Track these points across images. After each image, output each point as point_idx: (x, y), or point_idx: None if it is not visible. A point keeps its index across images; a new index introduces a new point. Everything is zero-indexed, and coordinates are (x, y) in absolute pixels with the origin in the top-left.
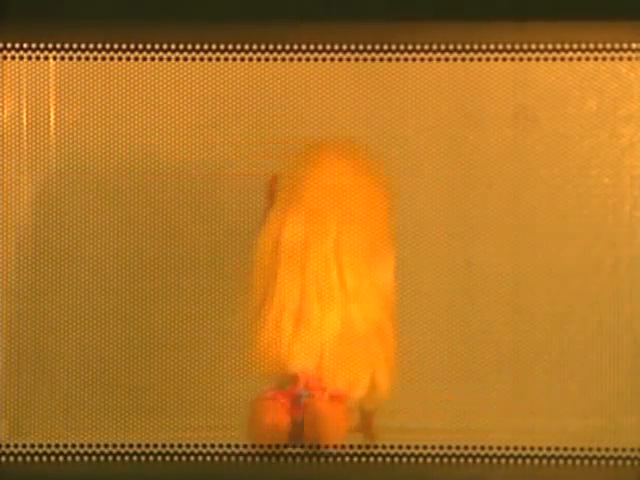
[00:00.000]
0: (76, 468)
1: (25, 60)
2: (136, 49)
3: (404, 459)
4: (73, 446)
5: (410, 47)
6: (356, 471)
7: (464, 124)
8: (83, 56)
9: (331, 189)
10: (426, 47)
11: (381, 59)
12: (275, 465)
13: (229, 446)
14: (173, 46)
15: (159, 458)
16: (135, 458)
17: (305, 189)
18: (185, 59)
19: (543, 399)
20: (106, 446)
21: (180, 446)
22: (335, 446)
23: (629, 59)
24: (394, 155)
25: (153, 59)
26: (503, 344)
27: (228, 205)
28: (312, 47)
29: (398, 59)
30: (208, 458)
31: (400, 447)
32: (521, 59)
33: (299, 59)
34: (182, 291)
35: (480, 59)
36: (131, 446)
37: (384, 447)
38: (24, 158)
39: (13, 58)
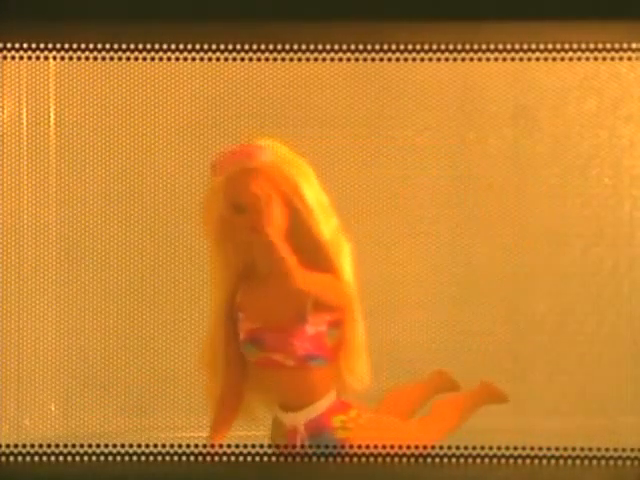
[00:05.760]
0: (76, 468)
1: (25, 60)
2: (136, 49)
3: (404, 459)
4: (73, 446)
5: (410, 47)
6: (357, 471)
7: (464, 124)
8: (83, 56)
9: None
10: (426, 47)
11: (381, 59)
12: (275, 465)
13: (229, 446)
14: (173, 46)
15: (159, 458)
16: (135, 458)
17: None
18: (185, 59)
19: (543, 399)
20: (106, 446)
21: (180, 446)
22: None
23: (629, 59)
24: (394, 155)
25: (153, 59)
26: (503, 344)
27: None
28: (311, 47)
29: (398, 59)
30: (208, 458)
31: (400, 447)
32: (521, 59)
33: (299, 59)
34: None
35: (480, 59)
36: (131, 446)
37: (384, 448)
38: (24, 158)
39: (13, 58)
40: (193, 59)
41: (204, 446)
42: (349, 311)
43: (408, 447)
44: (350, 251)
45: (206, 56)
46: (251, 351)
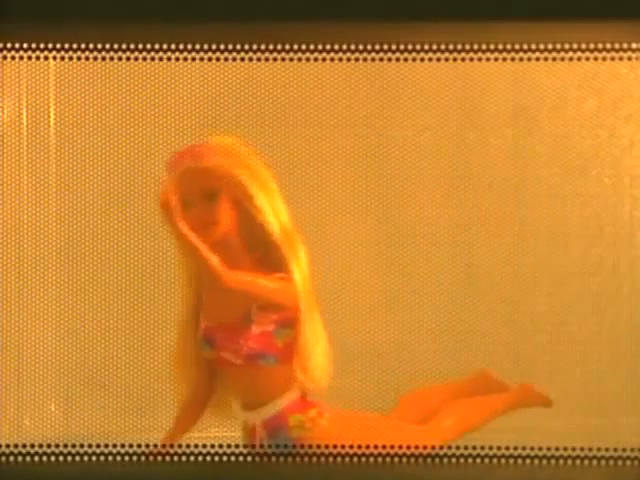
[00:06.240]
0: (76, 468)
1: (25, 60)
2: (136, 49)
3: (404, 459)
4: (73, 446)
5: (410, 47)
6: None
7: (464, 124)
8: (83, 56)
9: None
10: (426, 47)
11: (381, 59)
12: (275, 465)
13: (229, 446)
14: (173, 46)
15: (159, 458)
16: (135, 458)
17: None
18: (185, 59)
19: None
20: (106, 446)
21: (180, 446)
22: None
23: (629, 59)
24: (394, 155)
25: (153, 59)
26: (504, 344)
27: None
28: (311, 47)
29: (398, 59)
30: (208, 458)
31: (400, 447)
32: (521, 59)
33: (299, 59)
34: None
35: (480, 59)
36: (131, 446)
37: (384, 447)
38: (24, 158)
39: (13, 58)
40: (193, 59)
41: (204, 446)
42: (298, 311)
43: (408, 447)
44: (305, 252)
45: (206, 56)
46: (206, 349)
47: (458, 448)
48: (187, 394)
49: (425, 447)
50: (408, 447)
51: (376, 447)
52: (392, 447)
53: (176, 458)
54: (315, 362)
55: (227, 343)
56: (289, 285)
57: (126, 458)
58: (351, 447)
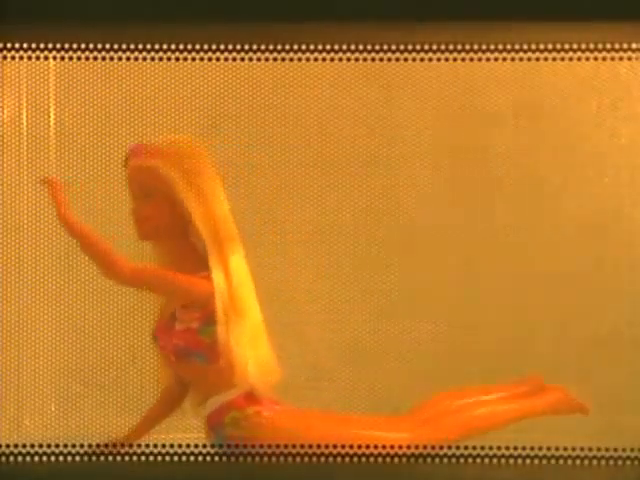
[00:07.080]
0: (76, 468)
1: (25, 60)
2: (136, 49)
3: (404, 459)
4: (73, 446)
5: (411, 47)
6: (355, 472)
7: (464, 124)
8: (83, 56)
9: None
10: (426, 47)
11: (381, 59)
12: (275, 465)
13: (229, 446)
14: (173, 46)
15: (159, 458)
16: (135, 458)
17: None
18: (185, 59)
19: None
20: (106, 446)
21: (180, 446)
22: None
23: (629, 59)
24: (394, 155)
25: (153, 59)
26: (504, 344)
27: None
28: (311, 47)
29: (398, 59)
30: (208, 458)
31: (400, 447)
32: (521, 59)
33: (299, 59)
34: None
35: (480, 59)
36: (131, 446)
37: (384, 447)
38: (24, 158)
39: (13, 58)
40: (193, 59)
41: (204, 446)
42: (216, 310)
43: (408, 447)
44: (240, 253)
45: (206, 56)
46: (156, 346)
47: (458, 448)
48: (161, 390)
49: (425, 447)
50: (408, 447)
51: (376, 447)
52: (392, 447)
53: (176, 458)
54: (243, 361)
55: (162, 341)
56: (205, 284)
57: (126, 458)
58: (351, 447)
